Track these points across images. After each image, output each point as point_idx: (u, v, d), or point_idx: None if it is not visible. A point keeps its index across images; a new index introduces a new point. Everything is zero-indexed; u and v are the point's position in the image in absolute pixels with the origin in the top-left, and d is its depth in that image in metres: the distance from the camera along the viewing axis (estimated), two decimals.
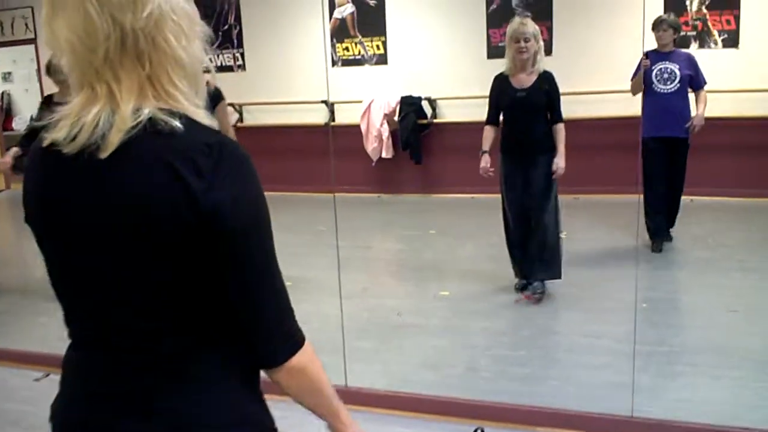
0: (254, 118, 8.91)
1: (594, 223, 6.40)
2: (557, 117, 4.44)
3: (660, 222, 5.56)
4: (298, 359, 1.17)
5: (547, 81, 4.39)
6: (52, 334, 4.38)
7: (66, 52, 1.09)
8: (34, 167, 1.17)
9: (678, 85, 5.34)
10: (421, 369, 3.63)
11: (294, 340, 1.18)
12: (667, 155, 5.42)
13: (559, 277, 4.52)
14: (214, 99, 4.36)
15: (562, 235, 5.99)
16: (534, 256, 4.48)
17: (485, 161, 4.53)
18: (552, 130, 4.42)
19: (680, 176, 5.51)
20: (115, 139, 1.06)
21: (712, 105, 5.54)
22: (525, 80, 4.41)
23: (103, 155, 1.07)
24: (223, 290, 1.12)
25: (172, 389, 1.14)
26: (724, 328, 4.03)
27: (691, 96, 5.47)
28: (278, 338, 1.16)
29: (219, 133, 1.13)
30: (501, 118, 4.57)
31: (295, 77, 8.33)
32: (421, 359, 3.75)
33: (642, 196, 5.51)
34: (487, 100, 4.63)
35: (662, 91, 5.36)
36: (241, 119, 8.91)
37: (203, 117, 1.13)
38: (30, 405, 3.34)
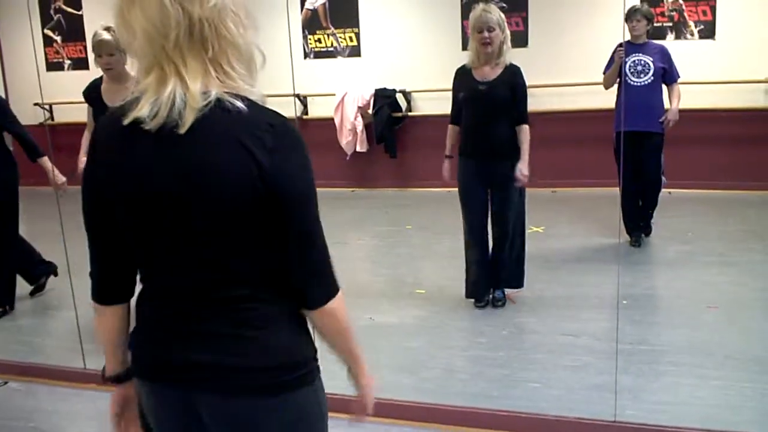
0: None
1: (572, 218, 6.31)
2: (521, 117, 4.01)
3: (636, 217, 5.48)
4: (333, 305, 1.41)
5: (512, 75, 3.99)
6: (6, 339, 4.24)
7: (140, 38, 1.28)
8: (112, 142, 1.34)
9: (651, 78, 5.24)
10: (397, 372, 3.50)
11: (332, 288, 1.41)
12: (640, 149, 5.32)
13: (522, 286, 4.31)
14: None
15: (540, 230, 5.93)
16: (498, 267, 4.20)
17: (446, 169, 4.23)
18: (515, 131, 4.01)
19: (656, 171, 5.40)
20: (190, 117, 1.25)
21: (688, 97, 5.46)
22: (489, 73, 4.00)
23: (182, 131, 1.26)
24: (280, 245, 1.35)
25: (235, 332, 1.37)
26: (705, 326, 3.94)
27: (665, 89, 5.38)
28: (320, 285, 1.40)
29: (278, 114, 1.33)
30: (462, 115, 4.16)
31: (266, 70, 8.14)
32: (396, 362, 3.61)
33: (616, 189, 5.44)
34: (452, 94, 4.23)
35: (635, 83, 5.25)
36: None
37: (258, 96, 1.33)
38: None
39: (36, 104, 8.64)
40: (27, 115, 8.29)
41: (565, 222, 6.22)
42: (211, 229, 1.32)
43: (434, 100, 7.65)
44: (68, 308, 3.96)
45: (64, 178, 4.21)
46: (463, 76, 4.10)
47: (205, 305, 1.37)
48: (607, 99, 5.67)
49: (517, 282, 4.28)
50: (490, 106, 3.98)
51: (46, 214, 4.54)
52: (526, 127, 4.02)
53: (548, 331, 3.95)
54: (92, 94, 3.92)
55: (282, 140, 1.30)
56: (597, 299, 4.28)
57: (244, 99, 1.29)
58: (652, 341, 3.77)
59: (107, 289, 1.49)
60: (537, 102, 7.62)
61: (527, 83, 4.06)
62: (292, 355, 1.41)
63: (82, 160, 4.10)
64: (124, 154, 1.33)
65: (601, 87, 5.54)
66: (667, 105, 5.33)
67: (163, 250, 1.37)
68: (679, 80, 5.36)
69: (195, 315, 1.38)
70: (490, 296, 4.25)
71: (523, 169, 3.97)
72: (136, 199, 1.34)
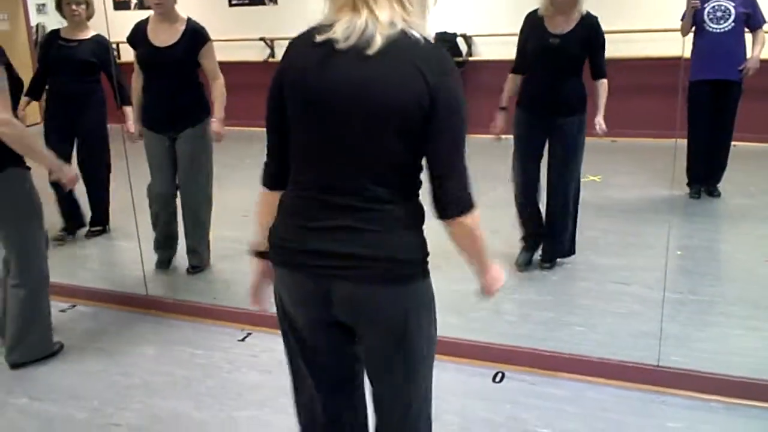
0: None
1: (631, 168, 6.20)
2: (599, 71, 3.82)
3: (700, 168, 5.35)
4: (466, 219, 1.61)
5: (589, 28, 3.70)
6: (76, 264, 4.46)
7: None
8: (304, 55, 1.59)
9: (732, 24, 5.03)
10: (445, 313, 3.55)
11: (469, 205, 1.61)
12: (716, 99, 5.15)
13: (573, 253, 4.10)
14: (197, 39, 3.90)
15: (597, 179, 5.86)
16: (548, 235, 4.05)
17: (500, 120, 3.95)
18: (587, 86, 3.81)
19: (729, 123, 5.23)
20: (379, 40, 1.50)
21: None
22: (562, 24, 3.70)
23: (371, 52, 1.51)
24: (433, 155, 1.58)
25: (373, 227, 1.59)
26: (760, 279, 3.88)
27: (748, 36, 5.15)
28: (460, 199, 1.60)
29: (443, 49, 1.61)
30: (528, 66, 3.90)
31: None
32: (445, 304, 3.66)
33: (678, 141, 5.28)
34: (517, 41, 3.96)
35: (715, 30, 5.06)
36: (272, 54, 8.78)
37: (426, 31, 1.58)
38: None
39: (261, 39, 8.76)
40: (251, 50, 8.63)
41: (623, 172, 6.12)
42: (376, 135, 1.55)
43: (496, 45, 7.54)
44: (131, 239, 4.14)
45: (138, 129, 4.20)
46: (533, 24, 3.81)
47: (350, 202, 1.59)
48: (673, 47, 5.49)
49: (569, 250, 4.08)
50: (561, 61, 3.72)
51: (114, 152, 4.75)
52: (604, 82, 3.84)
53: (598, 278, 3.95)
54: (137, 36, 3.94)
55: (444, 66, 1.56)
56: (651, 249, 4.23)
57: (419, 33, 1.55)
58: (704, 292, 3.74)
59: (275, 176, 1.73)
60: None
61: None
62: (416, 251, 1.66)
63: (132, 125, 4.25)
64: (314, 65, 1.56)
65: (674, 34, 5.35)
66: (749, 53, 5.12)
67: (325, 151, 1.60)
68: (766, 27, 5.13)
69: (340, 210, 1.60)
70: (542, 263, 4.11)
71: (602, 123, 3.83)
72: (317, 105, 1.57)
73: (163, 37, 3.86)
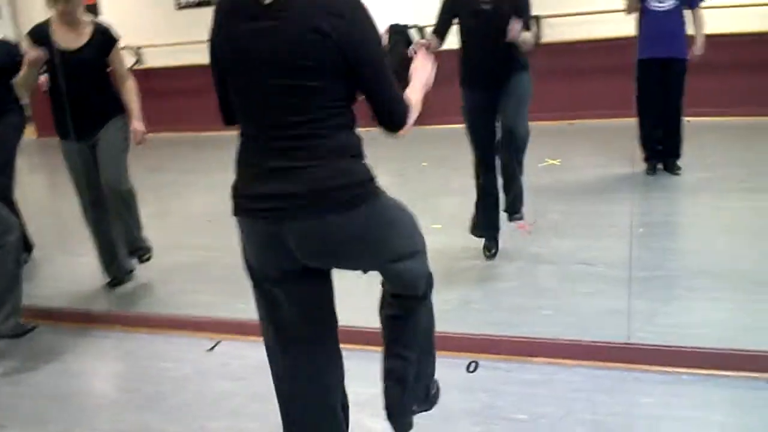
0: None
1: (589, 149, 6.27)
2: (526, 26, 3.62)
3: (654, 144, 5.43)
4: (411, 119, 1.83)
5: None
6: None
7: None
8: (219, 16, 1.76)
9: (674, 2, 5.11)
10: None
11: (403, 116, 1.81)
12: (663, 77, 5.24)
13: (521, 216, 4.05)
14: (106, 41, 3.80)
15: (556, 162, 5.91)
16: (509, 189, 3.98)
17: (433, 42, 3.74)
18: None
19: (677, 99, 5.32)
20: None
21: (709, 21, 5.31)
22: None
23: (267, 1, 1.64)
24: (360, 88, 1.74)
25: (309, 162, 1.70)
26: (721, 251, 3.94)
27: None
28: (394, 119, 1.80)
29: None
30: (460, 41, 3.81)
31: None
32: None
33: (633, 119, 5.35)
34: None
35: (657, 9, 5.14)
36: None
37: None
38: None
39: None
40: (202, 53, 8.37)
41: (581, 153, 6.19)
42: (292, 77, 1.66)
43: (450, 35, 7.54)
44: (90, 254, 4.05)
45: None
46: None
47: (284, 144, 1.71)
48: (624, 27, 5.57)
49: (519, 208, 4.03)
50: (496, 25, 3.55)
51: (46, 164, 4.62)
52: (529, 34, 3.64)
53: (563, 260, 3.98)
54: (39, 39, 3.68)
55: (351, 8, 1.68)
56: (613, 228, 4.28)
57: None
58: (667, 267, 3.78)
59: (229, 115, 1.88)
60: (554, 32, 7.53)
61: (543, 13, 3.85)
62: (353, 175, 1.76)
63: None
64: (226, 22, 1.73)
65: (619, 15, 5.42)
66: (689, 30, 5.21)
67: (253, 99, 1.73)
68: (702, 4, 5.23)
69: (277, 152, 1.72)
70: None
71: (516, 25, 3.50)
72: (236, 59, 1.71)
73: (69, 39, 3.72)
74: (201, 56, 9.22)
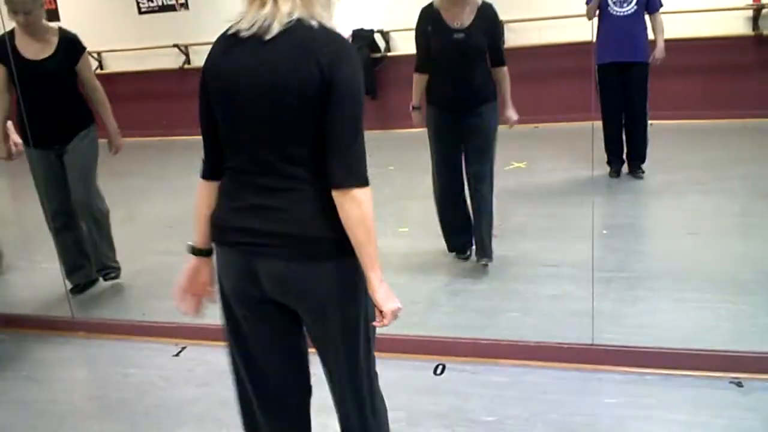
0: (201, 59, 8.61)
1: (554, 153, 6.33)
2: (500, 59, 3.73)
3: (618, 148, 5.49)
4: (361, 193, 1.64)
5: (488, 18, 3.64)
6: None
7: None
8: (217, 49, 1.73)
9: (635, 7, 5.19)
10: None
11: (363, 178, 1.65)
12: (624, 81, 5.31)
13: (491, 259, 3.94)
14: (74, 49, 3.75)
15: (522, 165, 5.96)
16: (479, 229, 3.91)
17: (416, 119, 3.91)
18: (492, 73, 3.73)
19: (641, 103, 5.37)
20: (275, 28, 1.63)
21: (668, 26, 5.41)
22: (462, 16, 3.60)
23: (267, 38, 1.63)
24: (329, 132, 1.64)
25: (290, 204, 1.68)
26: (684, 252, 4.01)
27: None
28: (353, 170, 1.65)
29: (340, 35, 1.70)
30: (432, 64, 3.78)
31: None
32: None
33: (594, 123, 5.40)
34: (415, 38, 3.83)
35: (618, 14, 5.22)
36: (188, 61, 8.61)
37: (330, 22, 1.68)
38: None
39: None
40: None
41: (547, 157, 6.24)
42: (278, 116, 1.64)
43: (413, 39, 7.57)
44: (52, 261, 3.97)
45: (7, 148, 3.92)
46: (432, 20, 3.67)
47: (268, 182, 1.69)
48: (587, 31, 5.63)
49: (488, 252, 3.93)
50: (468, 55, 3.64)
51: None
52: (505, 69, 3.76)
53: (529, 262, 4.01)
54: (2, 50, 3.61)
55: (338, 50, 1.64)
56: (578, 230, 4.31)
57: (318, 22, 1.65)
58: (631, 268, 3.84)
59: (210, 167, 1.82)
60: (517, 37, 7.60)
61: (506, 18, 3.90)
62: (327, 230, 1.68)
63: (16, 141, 3.94)
64: (222, 55, 1.71)
65: (582, 19, 5.48)
66: (650, 35, 5.29)
67: (239, 133, 1.72)
68: (662, 9, 5.31)
69: (260, 190, 1.70)
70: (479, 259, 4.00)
71: (512, 114, 3.77)
72: (226, 92, 1.70)
73: (35, 49, 3.65)
74: (164, 60, 9.19)
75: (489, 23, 3.65)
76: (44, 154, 3.78)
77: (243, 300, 1.80)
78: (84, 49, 3.78)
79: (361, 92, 1.67)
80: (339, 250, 1.69)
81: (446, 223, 4.08)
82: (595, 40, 5.30)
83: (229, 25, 1.71)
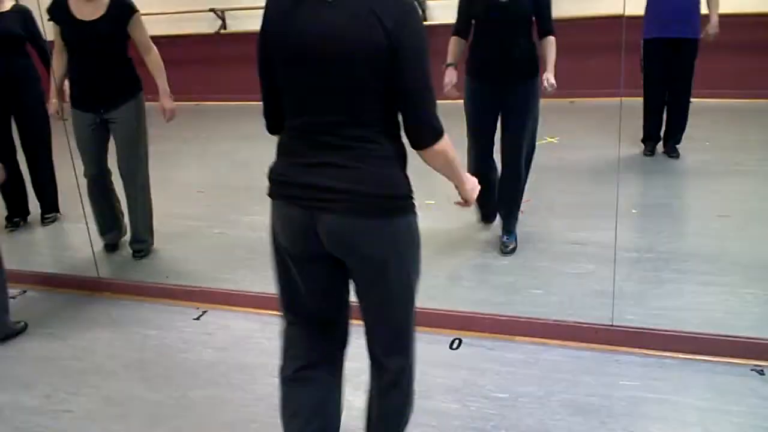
0: (238, 24, 8.61)
1: (588, 128, 6.21)
2: (548, 27, 3.60)
3: (657, 126, 5.36)
4: (440, 145, 1.76)
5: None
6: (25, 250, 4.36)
7: None
8: (278, 9, 1.74)
9: None
10: None
11: (438, 132, 1.75)
12: (672, 57, 5.13)
13: (513, 240, 3.89)
14: (123, 11, 3.69)
15: (554, 140, 5.86)
16: (503, 203, 3.92)
17: (450, 76, 3.67)
18: (538, 45, 3.60)
19: (687, 82, 5.20)
20: None
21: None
22: None
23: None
24: (399, 95, 1.71)
25: (356, 164, 1.73)
26: (713, 234, 3.92)
27: None
28: (430, 128, 1.74)
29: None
30: (472, 29, 3.68)
31: None
32: None
33: (623, 100, 5.24)
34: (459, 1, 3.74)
35: None
36: (224, 26, 8.60)
37: None
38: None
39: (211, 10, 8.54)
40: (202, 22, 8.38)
41: (580, 132, 6.14)
42: (347, 78, 1.67)
43: (451, 8, 7.47)
44: (80, 221, 4.04)
45: (57, 108, 4.02)
46: None
47: (334, 141, 1.73)
48: (631, 5, 5.47)
49: (512, 226, 3.92)
50: (510, 21, 3.51)
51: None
52: (552, 39, 3.61)
53: (555, 239, 3.96)
54: (58, 10, 3.67)
55: (401, 8, 1.67)
56: (606, 208, 4.20)
57: None
58: (659, 249, 3.76)
59: (272, 124, 1.90)
60: (557, 9, 7.42)
61: None
62: (395, 188, 1.77)
63: (53, 102, 3.97)
64: (286, 15, 1.71)
65: None
66: (704, 9, 5.08)
67: (307, 95, 1.73)
68: None
69: (325, 148, 1.74)
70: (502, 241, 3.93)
71: (551, 78, 3.53)
72: (294, 55, 1.71)
73: (87, 10, 3.64)
74: (201, 25, 9.20)
75: None
76: (87, 116, 3.80)
77: (298, 254, 1.87)
78: (135, 11, 3.73)
79: (426, 48, 1.71)
80: (399, 208, 1.79)
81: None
82: (630, 13, 5.14)
83: None
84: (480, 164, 3.87)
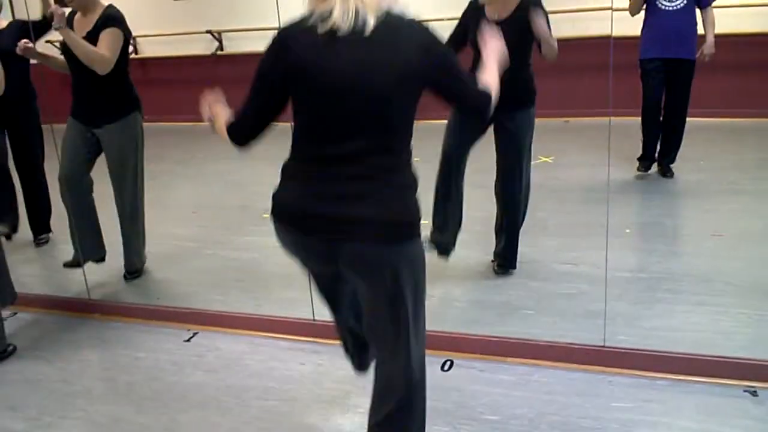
0: (234, 46, 8.64)
1: (583, 148, 6.20)
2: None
3: (653, 145, 5.35)
4: (493, 98, 1.93)
5: (528, 10, 3.35)
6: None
7: None
8: (310, 47, 1.75)
9: (685, 1, 5.02)
10: None
11: (489, 97, 1.92)
12: (669, 78, 5.14)
13: (515, 267, 3.81)
14: (105, 25, 3.60)
15: (548, 159, 5.87)
16: (500, 242, 3.79)
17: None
18: (531, 74, 3.51)
19: (683, 102, 5.20)
20: (372, 21, 1.71)
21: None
22: (501, 9, 3.40)
23: (367, 34, 1.72)
24: (450, 101, 1.92)
25: (379, 192, 1.80)
26: (707, 254, 3.91)
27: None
28: (485, 104, 1.91)
29: (425, 24, 1.80)
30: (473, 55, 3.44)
31: None
32: None
33: (612, 119, 5.24)
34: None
35: (667, 8, 5.04)
36: (221, 47, 8.64)
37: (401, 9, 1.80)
38: None
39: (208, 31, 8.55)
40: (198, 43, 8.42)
41: (575, 152, 6.13)
42: (380, 110, 1.76)
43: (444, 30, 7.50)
44: (69, 242, 4.02)
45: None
46: (473, 13, 3.48)
47: (358, 171, 1.78)
48: (625, 26, 5.49)
49: (511, 263, 3.78)
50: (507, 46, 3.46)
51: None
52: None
53: (547, 259, 3.94)
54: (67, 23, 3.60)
55: (432, 36, 1.79)
56: (599, 228, 4.20)
57: (396, 9, 1.78)
58: (651, 269, 3.75)
59: (248, 138, 1.97)
60: (552, 29, 7.46)
61: None
62: (414, 214, 1.87)
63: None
64: (322, 54, 1.74)
65: (624, 13, 5.28)
66: (699, 29, 5.10)
67: (334, 125, 1.78)
68: (714, 3, 5.11)
69: (348, 179, 1.79)
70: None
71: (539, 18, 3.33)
72: (328, 88, 1.75)
73: (81, 27, 3.64)
74: (198, 46, 9.20)
75: (528, 15, 3.36)
76: (81, 126, 3.77)
77: (313, 271, 2.06)
78: (113, 25, 3.62)
79: (452, 53, 1.89)
80: (416, 231, 1.88)
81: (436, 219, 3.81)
82: (617, 34, 5.14)
83: (304, 17, 1.77)
84: (448, 188, 3.72)
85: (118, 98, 3.76)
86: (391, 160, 1.82)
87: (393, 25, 1.75)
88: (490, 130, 3.64)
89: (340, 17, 1.71)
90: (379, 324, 1.99)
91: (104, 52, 3.58)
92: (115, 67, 3.66)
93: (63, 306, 3.78)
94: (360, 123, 1.77)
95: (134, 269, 4.06)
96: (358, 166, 1.78)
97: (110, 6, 3.74)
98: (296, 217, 1.86)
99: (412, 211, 1.87)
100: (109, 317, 3.66)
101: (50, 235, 4.85)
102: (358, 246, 1.81)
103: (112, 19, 3.67)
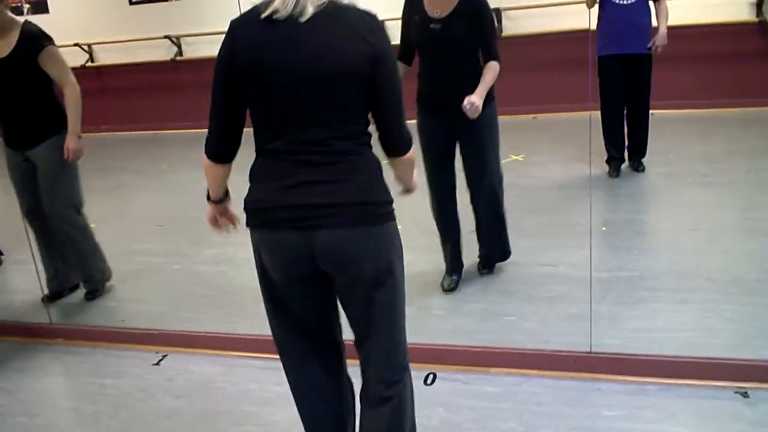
0: (193, 51, 8.45)
1: (553, 144, 6.17)
2: (490, 53, 3.24)
3: (619, 144, 5.30)
4: (410, 153, 1.92)
5: (472, 6, 3.18)
6: None
7: None
8: (252, 33, 1.75)
9: None
10: None
11: (409, 143, 1.91)
12: (627, 74, 5.09)
13: (509, 255, 3.77)
14: (32, 46, 3.43)
15: (519, 158, 5.80)
16: (482, 241, 3.74)
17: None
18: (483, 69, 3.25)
19: (644, 97, 5.16)
20: (310, 9, 1.71)
21: (673, 13, 5.21)
22: (442, 5, 3.20)
23: (303, 20, 1.71)
24: (376, 106, 1.82)
25: (344, 175, 1.79)
26: (685, 249, 3.86)
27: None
28: (403, 140, 1.89)
29: (368, 11, 1.79)
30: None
31: None
32: None
33: (592, 114, 5.21)
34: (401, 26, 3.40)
35: (622, 3, 4.99)
36: (180, 53, 8.44)
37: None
38: None
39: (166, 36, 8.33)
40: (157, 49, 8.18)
41: (546, 149, 6.08)
42: (333, 94, 1.75)
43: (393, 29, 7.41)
44: (28, 263, 3.83)
45: None
46: (412, 8, 3.31)
47: (320, 158, 1.78)
48: (586, 20, 5.46)
49: (505, 253, 3.76)
50: (446, 49, 3.23)
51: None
52: (495, 65, 3.22)
53: (525, 262, 3.85)
54: None
55: (378, 27, 1.78)
56: (576, 227, 4.15)
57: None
58: (631, 267, 3.69)
59: (227, 152, 1.90)
60: (515, 25, 7.44)
61: (504, 5, 3.51)
62: (384, 194, 1.87)
63: None
64: (261, 41, 1.73)
65: (582, 6, 5.25)
66: (654, 24, 5.06)
67: (289, 115, 1.77)
68: None
69: (312, 166, 1.78)
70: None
71: (474, 98, 3.08)
72: (273, 77, 1.74)
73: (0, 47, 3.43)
74: (156, 52, 9.02)
75: (473, 12, 3.19)
76: (15, 154, 3.62)
77: (289, 279, 1.90)
78: (45, 44, 3.46)
79: (397, 65, 1.87)
80: (388, 213, 1.87)
81: (442, 236, 3.77)
82: (594, 29, 5.10)
83: (253, 7, 1.76)
84: (446, 208, 3.66)
85: (46, 117, 3.58)
86: (352, 144, 1.81)
87: (338, 11, 1.75)
88: None
89: (279, 3, 1.71)
90: (362, 312, 1.95)
91: (64, 78, 3.52)
92: (39, 86, 3.50)
93: (22, 332, 3.60)
94: (315, 110, 1.76)
95: (93, 288, 3.89)
96: (320, 154, 1.78)
97: (27, 22, 3.54)
98: (265, 214, 1.84)
99: (381, 192, 1.86)
100: (72, 342, 3.49)
101: (1, 257, 4.63)
102: (332, 232, 1.79)
103: (39, 37, 3.49)
